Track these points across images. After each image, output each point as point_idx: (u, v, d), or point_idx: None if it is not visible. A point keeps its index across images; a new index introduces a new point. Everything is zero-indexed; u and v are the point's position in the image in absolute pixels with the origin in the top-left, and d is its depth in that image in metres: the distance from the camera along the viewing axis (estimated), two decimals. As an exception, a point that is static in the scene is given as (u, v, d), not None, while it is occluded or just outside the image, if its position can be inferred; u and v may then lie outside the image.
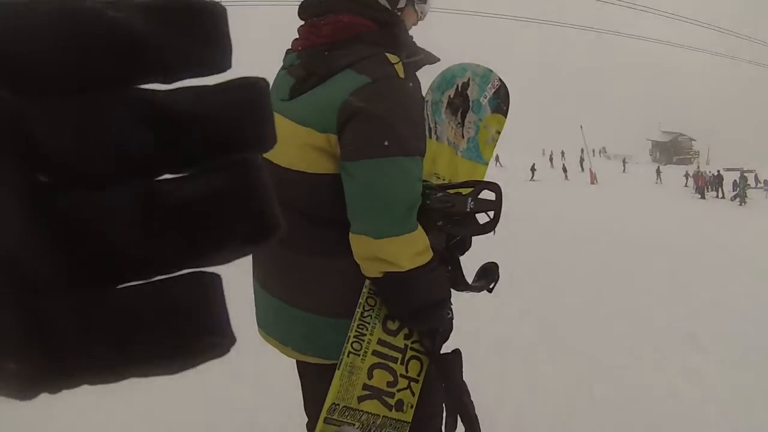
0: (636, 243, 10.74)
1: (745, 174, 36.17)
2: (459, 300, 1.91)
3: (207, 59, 0.29)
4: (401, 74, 1.65)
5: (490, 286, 1.92)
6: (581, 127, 45.25)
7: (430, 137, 2.01)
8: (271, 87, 1.88)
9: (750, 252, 10.72)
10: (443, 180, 2.01)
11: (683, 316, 5.85)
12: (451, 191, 1.77)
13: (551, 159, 58.45)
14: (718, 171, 38.49)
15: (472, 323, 4.78)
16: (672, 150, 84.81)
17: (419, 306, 1.70)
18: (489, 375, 4.19)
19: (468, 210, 1.69)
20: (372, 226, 1.63)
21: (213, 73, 0.29)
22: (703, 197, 34.07)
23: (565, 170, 44.43)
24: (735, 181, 33.05)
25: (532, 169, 40.53)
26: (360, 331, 1.74)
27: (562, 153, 60.61)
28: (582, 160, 50.33)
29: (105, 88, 0.26)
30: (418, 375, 1.83)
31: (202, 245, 0.28)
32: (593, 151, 59.43)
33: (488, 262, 1.96)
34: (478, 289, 1.91)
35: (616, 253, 9.38)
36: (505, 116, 2.09)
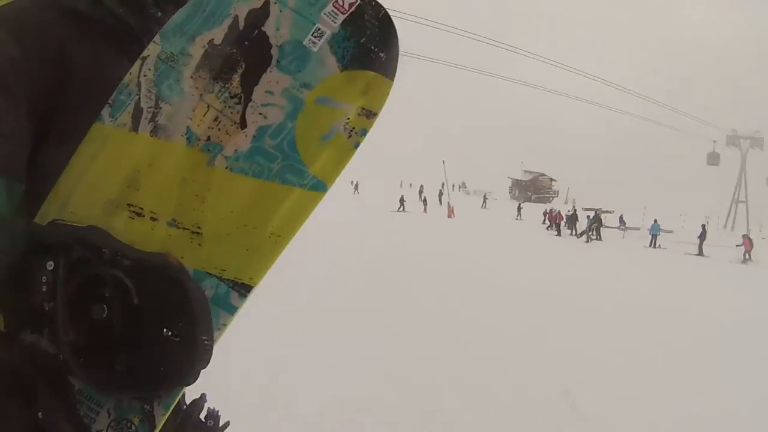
0: (488, 282, 10.35)
1: (602, 214, 37.76)
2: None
3: None
4: None
5: None
6: (443, 162, 46.01)
7: (135, 130, 1.00)
8: None
9: (597, 294, 10.60)
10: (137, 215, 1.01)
11: (552, 368, 5.23)
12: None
13: (420, 191, 59.17)
14: (574, 210, 40.05)
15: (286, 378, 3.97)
16: (531, 188, 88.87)
17: None
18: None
19: None
20: None
21: None
22: (559, 234, 35.32)
23: (425, 203, 44.95)
24: (588, 218, 34.45)
25: (401, 201, 41.30)
26: None
27: (421, 187, 61.61)
28: (441, 193, 51.15)
29: None
30: None
31: None
32: (453, 185, 60.77)
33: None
34: None
35: (469, 294, 8.84)
36: (388, 75, 1.04)
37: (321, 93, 1.01)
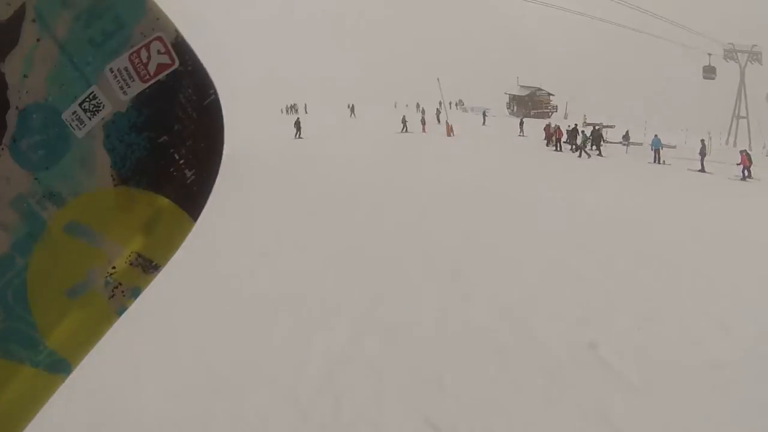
0: (492, 203, 10.01)
1: (603, 129, 37.05)
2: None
3: None
4: None
5: None
6: (438, 79, 45.26)
7: None
8: None
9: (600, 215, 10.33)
10: None
11: (573, 315, 4.85)
12: None
13: (423, 111, 58.44)
14: (575, 125, 39.42)
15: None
16: (530, 104, 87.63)
17: None
18: None
19: None
20: None
21: None
22: (559, 149, 34.78)
23: (423, 123, 44.40)
24: (582, 132, 33.82)
25: (404, 122, 41.09)
26: None
27: (417, 105, 60.72)
28: (438, 112, 50.34)
29: None
30: None
31: None
32: (450, 103, 60.12)
33: None
34: None
35: (470, 217, 8.50)
36: (191, 211, 0.60)
37: (76, 216, 0.59)
